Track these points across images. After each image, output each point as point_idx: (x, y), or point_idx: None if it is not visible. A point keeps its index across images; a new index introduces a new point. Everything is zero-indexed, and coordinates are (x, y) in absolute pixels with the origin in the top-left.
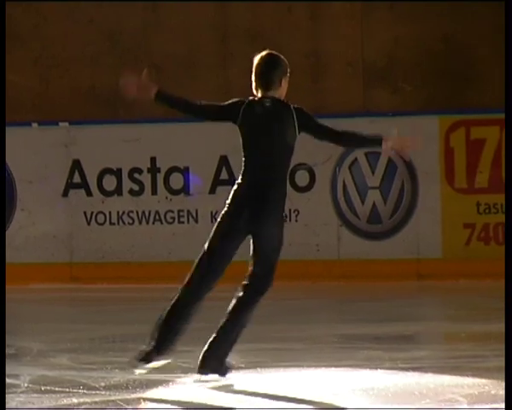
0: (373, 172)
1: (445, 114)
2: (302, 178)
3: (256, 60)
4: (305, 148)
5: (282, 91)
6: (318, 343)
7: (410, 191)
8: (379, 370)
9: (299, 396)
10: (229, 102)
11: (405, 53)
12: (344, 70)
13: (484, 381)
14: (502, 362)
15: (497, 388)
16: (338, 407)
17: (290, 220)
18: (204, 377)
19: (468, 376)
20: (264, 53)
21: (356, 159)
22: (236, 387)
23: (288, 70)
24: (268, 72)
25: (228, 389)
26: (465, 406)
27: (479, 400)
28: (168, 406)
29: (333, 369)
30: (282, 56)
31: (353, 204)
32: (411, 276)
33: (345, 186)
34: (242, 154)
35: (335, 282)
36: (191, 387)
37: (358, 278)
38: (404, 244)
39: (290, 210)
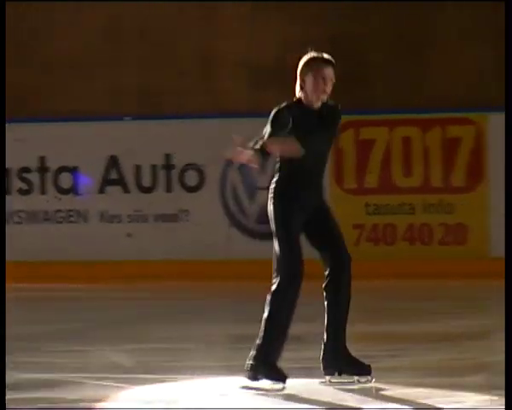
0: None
1: None
2: (191, 178)
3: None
4: (194, 148)
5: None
6: (210, 343)
7: None
8: None
9: (186, 397)
10: None
11: (294, 54)
12: (234, 71)
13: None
14: (391, 362)
15: (386, 388)
16: (225, 407)
17: (181, 221)
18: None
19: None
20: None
21: None
22: (126, 387)
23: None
24: None
25: (113, 388)
26: (352, 404)
27: (366, 400)
28: (59, 405)
29: (223, 369)
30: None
31: (243, 204)
32: None
33: (234, 186)
34: None
35: (228, 282)
36: (81, 386)
37: (249, 279)
38: None
39: (180, 210)
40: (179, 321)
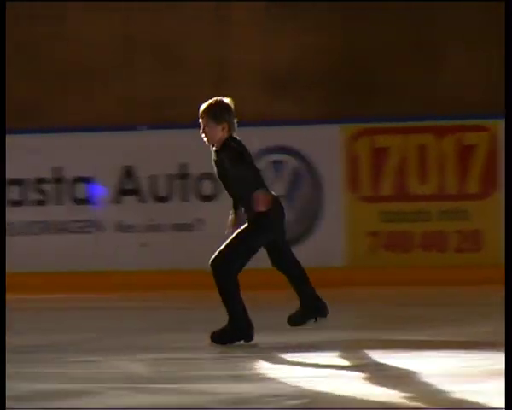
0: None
1: (348, 122)
2: (207, 187)
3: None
4: (210, 157)
5: None
6: (223, 352)
7: (316, 199)
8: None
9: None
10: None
11: (309, 62)
12: (248, 78)
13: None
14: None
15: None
16: None
17: (196, 230)
18: None
19: None
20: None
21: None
22: (139, 396)
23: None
24: None
25: (126, 397)
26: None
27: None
28: None
29: (232, 378)
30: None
31: None
32: None
33: None
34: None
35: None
36: (95, 395)
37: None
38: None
39: (195, 220)
40: (192, 331)
